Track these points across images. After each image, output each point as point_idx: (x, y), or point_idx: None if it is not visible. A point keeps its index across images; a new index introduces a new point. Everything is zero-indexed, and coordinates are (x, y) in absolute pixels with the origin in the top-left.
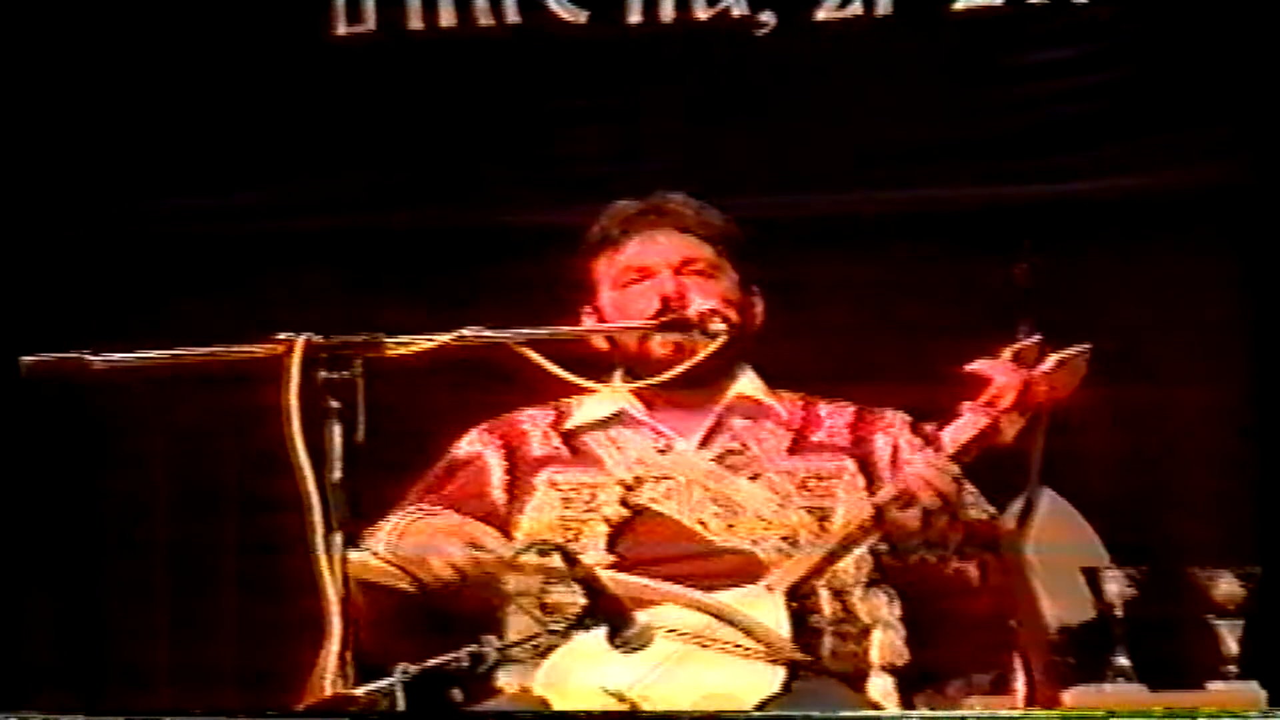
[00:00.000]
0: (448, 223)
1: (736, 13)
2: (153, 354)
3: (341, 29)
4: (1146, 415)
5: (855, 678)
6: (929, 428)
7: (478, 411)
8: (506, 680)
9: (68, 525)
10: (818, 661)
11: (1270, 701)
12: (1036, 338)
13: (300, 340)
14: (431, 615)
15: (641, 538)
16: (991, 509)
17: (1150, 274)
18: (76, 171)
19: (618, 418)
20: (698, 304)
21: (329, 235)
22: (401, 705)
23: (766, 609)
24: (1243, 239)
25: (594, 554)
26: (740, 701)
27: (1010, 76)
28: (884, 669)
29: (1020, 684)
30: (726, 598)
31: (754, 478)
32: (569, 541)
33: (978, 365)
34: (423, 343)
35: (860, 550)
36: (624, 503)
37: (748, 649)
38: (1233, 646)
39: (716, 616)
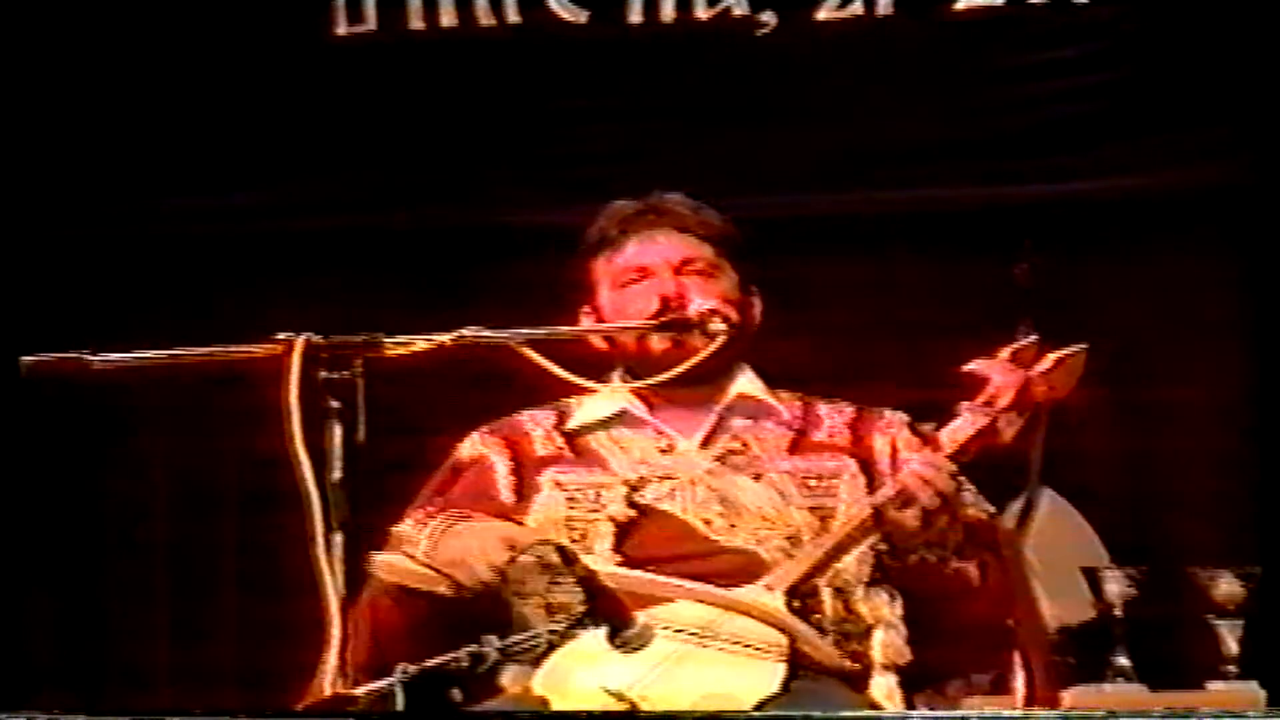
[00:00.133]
0: (448, 223)
1: (737, 13)
2: (153, 354)
3: (342, 29)
4: (1146, 415)
5: (857, 677)
6: (927, 428)
7: (478, 412)
8: (508, 680)
9: (68, 525)
10: (821, 655)
11: (1270, 701)
12: (1034, 337)
13: (300, 340)
14: (466, 620)
15: (647, 537)
16: (991, 508)
17: (1150, 274)
18: (77, 172)
19: (620, 418)
20: (697, 304)
21: (329, 235)
22: (401, 705)
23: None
24: (1243, 239)
25: (601, 553)
26: (740, 701)
27: (1010, 76)
28: (886, 668)
29: (1020, 684)
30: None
31: (756, 477)
32: (575, 541)
33: (975, 365)
34: (423, 343)
35: (861, 550)
36: (629, 502)
37: (755, 645)
38: (1232, 646)
39: (732, 610)
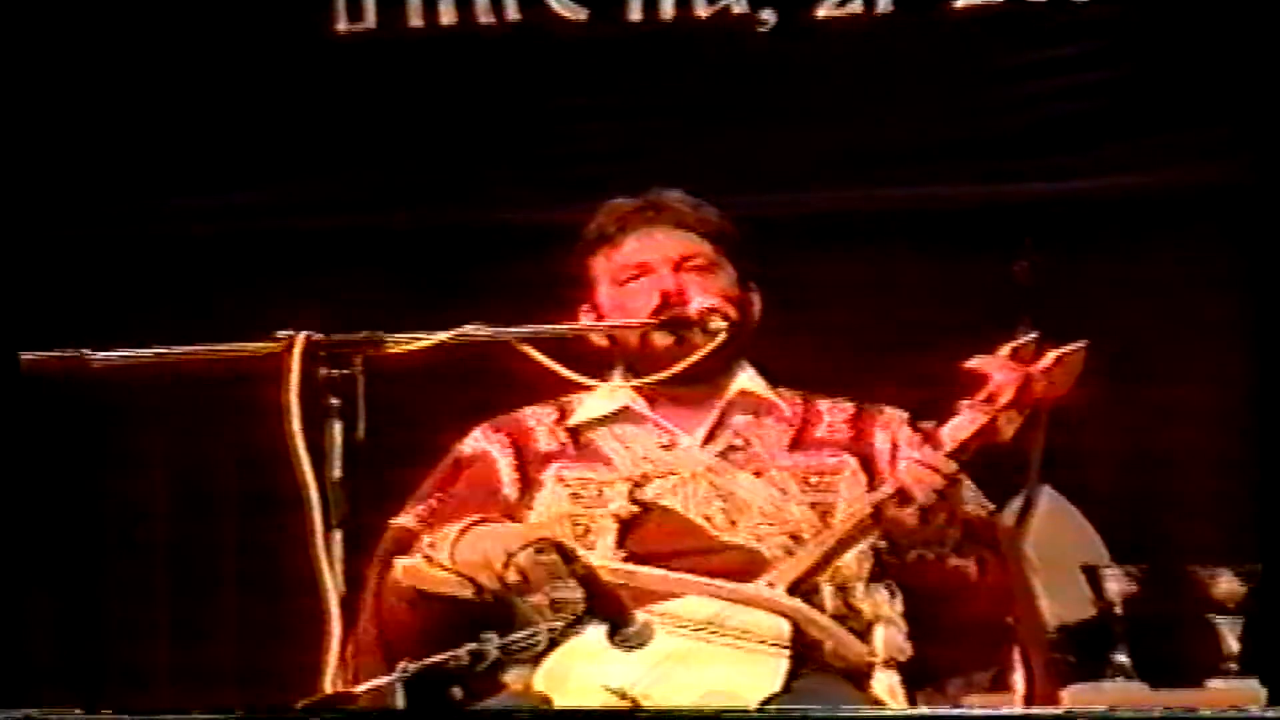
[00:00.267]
0: (448, 222)
1: (736, 11)
2: (152, 353)
3: (342, 26)
4: (1146, 415)
5: (858, 673)
6: (928, 425)
7: (478, 410)
8: (510, 677)
9: (68, 525)
10: (844, 648)
11: (1270, 699)
12: (1034, 334)
13: (300, 338)
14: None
15: (649, 534)
16: (990, 506)
17: (1150, 274)
18: (77, 171)
19: (621, 414)
20: (697, 301)
21: (329, 235)
22: (401, 704)
23: None
24: (1243, 239)
25: (604, 550)
26: (742, 700)
27: (1010, 76)
28: (887, 665)
29: (1020, 681)
30: None
31: (757, 473)
32: (579, 537)
33: (975, 362)
34: (423, 341)
35: (861, 547)
36: (632, 499)
37: (758, 642)
38: (1233, 644)
39: (744, 605)
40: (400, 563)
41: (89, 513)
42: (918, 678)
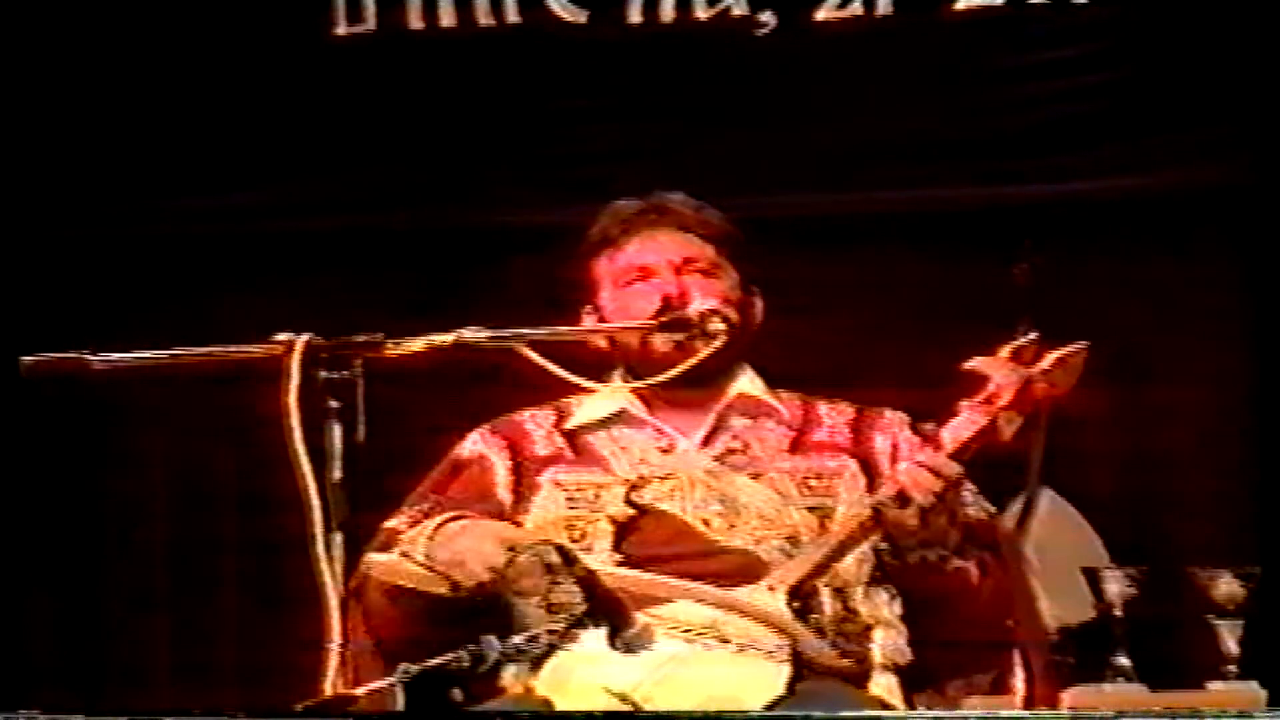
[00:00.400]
0: (448, 223)
1: (736, 13)
2: (153, 354)
3: (342, 29)
4: (1146, 415)
5: (857, 677)
6: (928, 427)
7: (478, 412)
8: (510, 679)
9: (68, 525)
10: (825, 656)
11: (1270, 701)
12: (1034, 335)
13: (300, 340)
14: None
15: (646, 537)
16: (991, 508)
17: (1150, 274)
18: (77, 172)
19: (620, 417)
20: (699, 303)
21: (329, 235)
22: (401, 705)
23: (768, 608)
24: (1243, 239)
25: (600, 553)
26: (744, 704)
27: (1010, 76)
28: (886, 668)
29: (1020, 683)
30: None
31: (755, 477)
32: (575, 541)
33: (975, 363)
34: (422, 343)
35: (861, 549)
36: (629, 502)
37: (756, 645)
38: (1233, 646)
39: (732, 610)
40: (377, 558)
41: (89, 513)
42: (918, 680)
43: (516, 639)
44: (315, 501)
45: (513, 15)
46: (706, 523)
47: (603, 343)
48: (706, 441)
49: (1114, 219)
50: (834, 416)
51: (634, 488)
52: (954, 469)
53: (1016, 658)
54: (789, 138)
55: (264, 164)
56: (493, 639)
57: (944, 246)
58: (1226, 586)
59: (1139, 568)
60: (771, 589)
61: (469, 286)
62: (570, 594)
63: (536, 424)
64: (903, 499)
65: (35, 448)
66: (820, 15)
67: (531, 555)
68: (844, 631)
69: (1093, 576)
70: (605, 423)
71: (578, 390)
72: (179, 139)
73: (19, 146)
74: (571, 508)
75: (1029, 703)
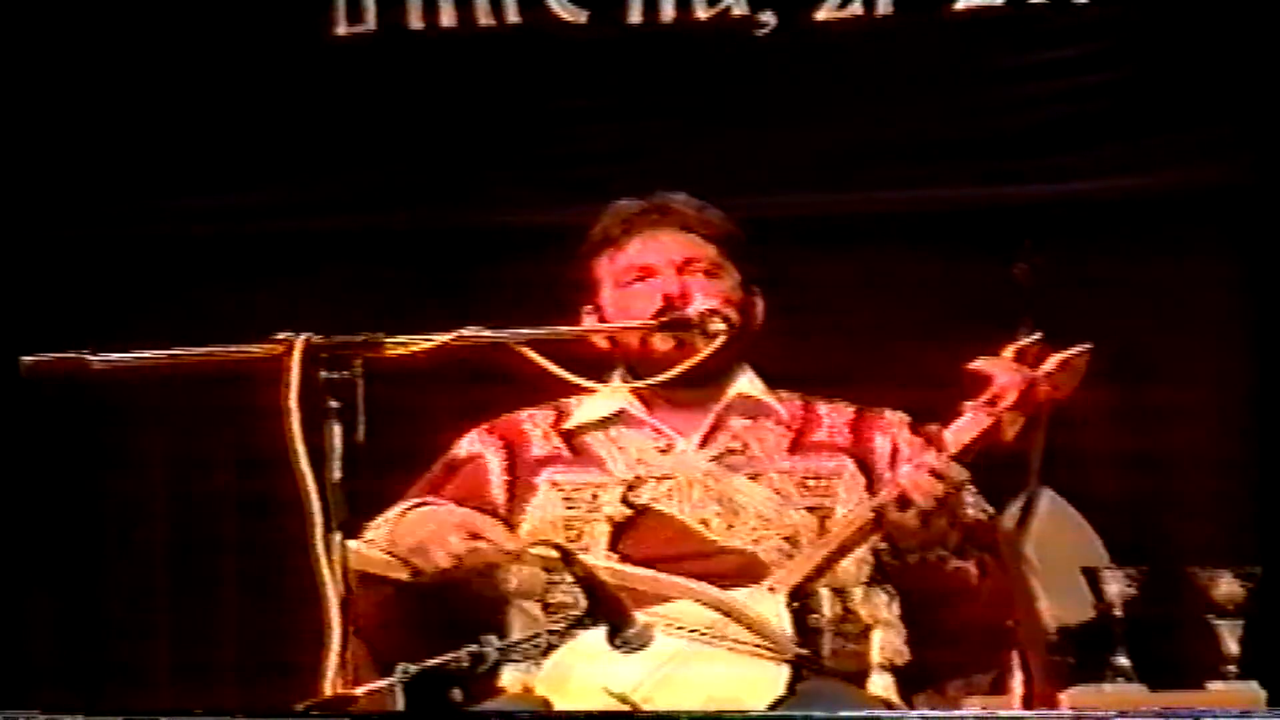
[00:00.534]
0: (448, 223)
1: (736, 13)
2: (152, 354)
3: (342, 29)
4: (1146, 415)
5: (856, 677)
6: (932, 428)
7: (478, 411)
8: (509, 679)
9: (68, 525)
10: (820, 660)
11: (1270, 701)
12: (1037, 336)
13: (300, 340)
14: (437, 615)
15: (644, 537)
16: (991, 509)
17: (1150, 274)
18: (78, 172)
19: (618, 417)
20: (700, 303)
21: (329, 235)
22: (401, 705)
23: (768, 610)
24: (1243, 239)
25: (596, 553)
26: (744, 704)
27: (1010, 76)
28: (884, 668)
29: (1019, 684)
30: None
31: (754, 477)
32: (571, 541)
33: (979, 364)
34: (422, 343)
35: (862, 550)
36: (626, 502)
37: (755, 646)
38: (1233, 646)
39: (725, 613)
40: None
41: (89, 513)
42: (917, 680)
43: (516, 638)
44: (315, 501)
45: (513, 15)
46: (705, 523)
47: (603, 343)
48: (705, 442)
49: (1114, 219)
50: (834, 417)
51: (630, 488)
52: (956, 470)
53: (1016, 658)
54: (789, 138)
55: (264, 164)
56: (492, 638)
57: (944, 246)
58: (1226, 586)
59: (1139, 568)
60: (772, 590)
61: (469, 286)
62: (570, 594)
63: (534, 424)
64: (904, 502)
65: (35, 448)
66: (820, 15)
67: (530, 555)
68: (843, 632)
69: (1093, 576)
70: (604, 423)
71: (577, 390)
72: (179, 139)
73: (19, 146)
74: (569, 508)
75: (1028, 703)
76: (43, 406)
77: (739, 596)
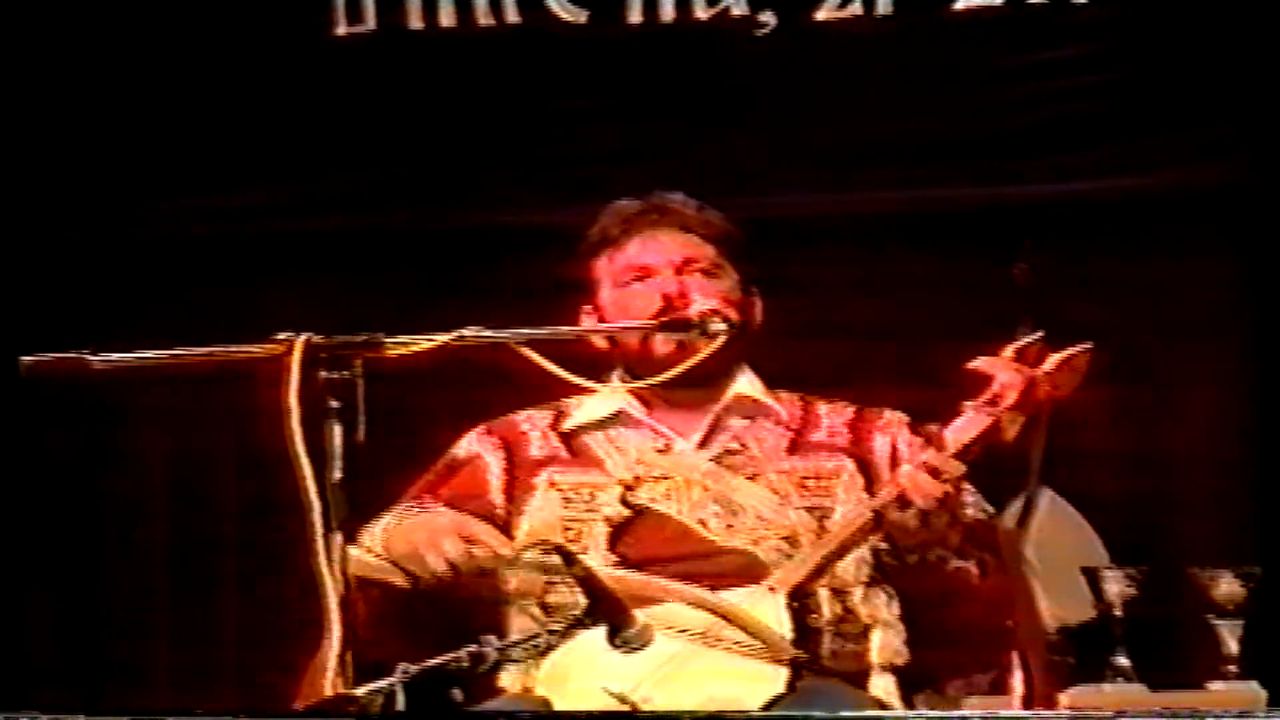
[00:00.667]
0: (448, 223)
1: (736, 13)
2: (153, 354)
3: (341, 29)
4: (1146, 415)
5: (855, 678)
6: (932, 427)
7: (478, 411)
8: (509, 679)
9: (68, 525)
10: (818, 662)
11: (1270, 701)
12: (1038, 334)
13: (300, 340)
14: (434, 616)
15: (642, 538)
16: (991, 509)
17: (1150, 274)
18: (78, 172)
19: (617, 418)
20: (699, 303)
21: (329, 235)
22: (401, 705)
23: (768, 610)
24: (1243, 239)
25: (595, 554)
26: (744, 704)
27: (1010, 76)
28: (884, 669)
29: (1019, 684)
30: (730, 598)
31: (753, 477)
32: (570, 542)
33: (980, 363)
34: (423, 343)
35: (861, 551)
36: (624, 503)
37: (752, 648)
38: (1233, 646)
39: (722, 616)
40: None
41: (89, 513)
42: (917, 680)
43: (516, 638)
44: (315, 502)
45: (512, 15)
46: (704, 524)
47: (602, 343)
48: (704, 442)
49: (1114, 219)
50: (833, 417)
51: (629, 489)
52: (957, 471)
53: (1016, 658)
54: (789, 138)
55: (264, 164)
56: (492, 639)
57: (944, 246)
58: (1226, 586)
59: (1139, 568)
60: (772, 590)
61: (469, 286)
62: (569, 594)
63: (533, 424)
64: (903, 502)
65: (35, 448)
66: (820, 15)
67: (530, 555)
68: (842, 632)
69: (1093, 576)
70: (603, 423)
71: (577, 390)
72: (179, 139)
73: (19, 146)
74: (567, 508)
75: (1028, 703)
76: (43, 406)
77: (738, 597)
